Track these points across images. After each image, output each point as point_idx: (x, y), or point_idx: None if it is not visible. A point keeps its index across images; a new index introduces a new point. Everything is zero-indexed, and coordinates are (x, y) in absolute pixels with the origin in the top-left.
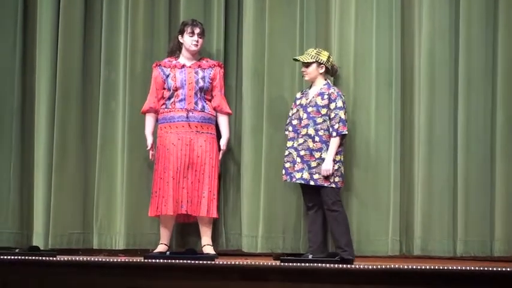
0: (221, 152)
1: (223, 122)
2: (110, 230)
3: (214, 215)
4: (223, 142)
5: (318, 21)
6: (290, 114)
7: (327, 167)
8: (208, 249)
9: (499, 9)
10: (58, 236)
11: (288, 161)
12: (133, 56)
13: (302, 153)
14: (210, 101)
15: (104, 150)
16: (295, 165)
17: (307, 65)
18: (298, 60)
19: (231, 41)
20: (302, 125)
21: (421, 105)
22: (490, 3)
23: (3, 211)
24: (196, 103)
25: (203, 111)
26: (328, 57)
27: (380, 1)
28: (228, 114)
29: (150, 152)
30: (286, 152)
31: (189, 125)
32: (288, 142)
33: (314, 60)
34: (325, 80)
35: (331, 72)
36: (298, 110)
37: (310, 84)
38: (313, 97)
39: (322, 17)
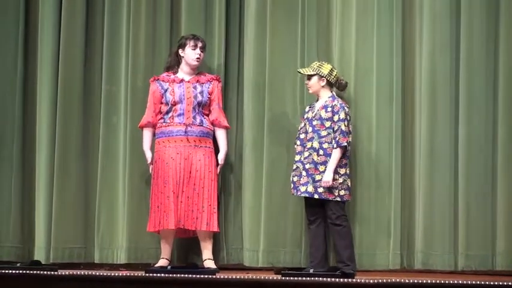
0: (219, 166)
1: (221, 136)
2: (112, 244)
3: (215, 228)
4: (221, 156)
5: (319, 35)
6: (299, 128)
7: (327, 178)
8: (210, 264)
9: (500, 24)
10: (59, 250)
11: (295, 175)
12: (134, 70)
13: (307, 166)
14: (207, 115)
15: (105, 164)
16: (301, 179)
17: (309, 77)
18: (302, 73)
19: (232, 55)
20: (308, 138)
21: (422, 119)
22: (490, 19)
23: (4, 225)
24: (194, 118)
25: (201, 125)
26: (331, 70)
27: (381, 15)
28: (226, 128)
29: (151, 167)
30: (294, 166)
31: (188, 139)
32: (296, 156)
33: (315, 73)
34: (331, 92)
35: (337, 86)
36: (305, 124)
37: (317, 97)
38: (318, 110)
39: (324, 31)
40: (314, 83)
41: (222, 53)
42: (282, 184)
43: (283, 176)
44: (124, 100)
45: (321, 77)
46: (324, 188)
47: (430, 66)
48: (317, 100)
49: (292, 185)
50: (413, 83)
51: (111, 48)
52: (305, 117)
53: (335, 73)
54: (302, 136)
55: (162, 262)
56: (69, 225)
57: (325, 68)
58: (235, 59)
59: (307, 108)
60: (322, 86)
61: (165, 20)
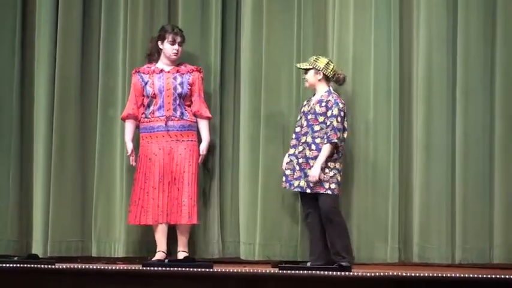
0: (201, 156)
1: (203, 126)
2: (109, 238)
3: (195, 221)
4: (203, 147)
5: (316, 30)
6: (296, 121)
7: (313, 173)
8: (183, 255)
9: (497, 18)
10: (57, 244)
11: (288, 168)
12: (132, 63)
13: (300, 161)
14: (189, 106)
15: (102, 158)
16: (295, 173)
17: (306, 71)
18: (299, 68)
19: (228, 51)
20: (302, 132)
21: (419, 113)
22: (487, 13)
23: (2, 219)
24: (175, 109)
25: (182, 118)
26: (327, 63)
27: (378, 9)
28: (208, 118)
29: (131, 158)
30: (288, 159)
31: (169, 135)
32: (290, 149)
33: (311, 67)
34: (328, 87)
35: (335, 80)
36: (301, 118)
37: (314, 91)
38: (313, 104)
39: (320, 26)
40: (310, 77)
41: (218, 48)
42: (278, 178)
43: (279, 170)
44: (121, 93)
45: (317, 70)
46: (313, 181)
47: (427, 60)
48: (314, 94)
49: (284, 178)
50: (410, 77)
51: (109, 42)
52: (301, 110)
53: (332, 67)
54: (297, 130)
55: (159, 255)
56: (67, 219)
57: (321, 62)
58: (231, 54)
59: (305, 102)
60: (319, 80)
61: (162, 14)
